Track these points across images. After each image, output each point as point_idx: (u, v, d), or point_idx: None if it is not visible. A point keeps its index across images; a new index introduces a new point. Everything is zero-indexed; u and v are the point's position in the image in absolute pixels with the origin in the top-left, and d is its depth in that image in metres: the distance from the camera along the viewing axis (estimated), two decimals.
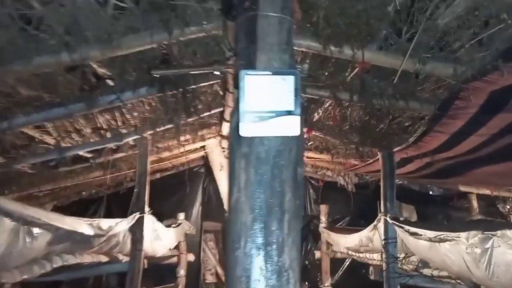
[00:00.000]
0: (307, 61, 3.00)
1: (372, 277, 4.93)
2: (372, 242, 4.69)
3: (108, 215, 6.67)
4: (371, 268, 5.04)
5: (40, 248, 2.78)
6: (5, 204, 2.39)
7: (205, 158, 7.01)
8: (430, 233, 3.41)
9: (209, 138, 6.03)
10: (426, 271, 4.26)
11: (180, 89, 3.35)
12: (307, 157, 6.24)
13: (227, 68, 2.41)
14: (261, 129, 1.37)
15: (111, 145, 4.49)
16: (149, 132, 4.40)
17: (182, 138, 5.31)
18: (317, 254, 6.93)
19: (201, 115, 4.36)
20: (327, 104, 4.10)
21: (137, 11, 2.31)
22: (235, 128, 1.41)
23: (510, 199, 7.25)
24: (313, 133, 4.71)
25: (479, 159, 3.27)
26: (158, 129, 4.38)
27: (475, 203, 7.29)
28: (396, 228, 4.09)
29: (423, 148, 3.54)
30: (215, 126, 5.45)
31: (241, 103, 1.34)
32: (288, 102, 1.37)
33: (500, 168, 3.36)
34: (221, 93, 4.08)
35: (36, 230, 2.61)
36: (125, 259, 4.57)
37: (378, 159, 4.49)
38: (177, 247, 6.36)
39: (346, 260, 7.28)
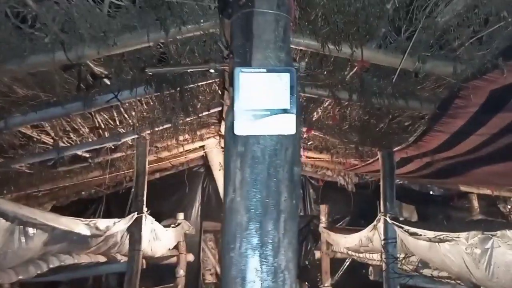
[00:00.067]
0: (306, 59, 2.97)
1: (371, 277, 4.91)
2: (372, 242, 4.66)
3: (108, 215, 6.66)
4: (370, 268, 5.02)
5: (36, 248, 2.76)
6: (0, 204, 2.37)
7: (205, 158, 7.00)
8: (430, 233, 3.39)
9: (208, 138, 6.02)
10: (426, 272, 4.24)
11: (178, 88, 3.33)
12: (307, 157, 6.22)
13: (223, 66, 2.39)
14: (257, 127, 1.35)
15: (110, 144, 4.47)
16: (147, 132, 4.38)
17: (181, 138, 5.30)
18: (317, 254, 6.92)
19: (200, 115, 4.33)
20: (327, 104, 4.07)
21: (133, 9, 2.29)
22: (230, 127, 1.38)
23: (511, 199, 7.23)
24: (313, 132, 4.69)
25: (480, 159, 3.24)
26: (156, 129, 4.37)
27: (475, 203, 7.27)
28: (396, 228, 4.06)
29: (423, 147, 3.52)
30: (214, 125, 5.43)
31: (236, 101, 1.32)
32: (283, 100, 1.35)
33: (501, 168, 3.34)
34: (219, 92, 4.06)
35: (31, 230, 2.59)
36: (124, 259, 4.55)
37: (378, 158, 4.47)
38: (176, 247, 6.35)
39: (346, 260, 7.26)
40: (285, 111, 1.35)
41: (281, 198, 1.38)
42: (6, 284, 3.34)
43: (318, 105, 4.17)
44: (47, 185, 5.18)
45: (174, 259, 6.40)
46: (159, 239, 5.06)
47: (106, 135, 4.13)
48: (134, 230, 4.33)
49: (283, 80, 1.36)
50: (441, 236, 3.22)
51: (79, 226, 3.17)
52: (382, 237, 4.25)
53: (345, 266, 7.43)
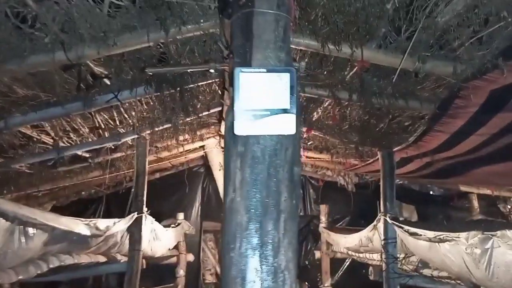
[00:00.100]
0: (306, 59, 2.97)
1: (371, 278, 4.91)
2: (372, 242, 4.66)
3: (108, 215, 6.65)
4: (370, 268, 5.01)
5: (36, 248, 2.76)
6: (0, 204, 2.37)
7: (205, 158, 7.00)
8: (430, 233, 3.39)
9: (208, 138, 6.02)
10: (426, 272, 4.24)
11: (178, 88, 3.32)
12: (307, 157, 6.22)
13: (223, 66, 2.39)
14: (257, 128, 1.35)
15: (110, 144, 4.47)
16: (147, 132, 4.38)
17: (181, 138, 5.30)
18: (317, 254, 6.92)
19: (200, 115, 4.33)
20: (327, 104, 4.07)
21: (133, 9, 2.29)
22: (230, 127, 1.38)
23: (511, 199, 7.23)
24: (313, 132, 4.69)
25: (480, 159, 3.24)
26: (156, 129, 4.36)
27: (475, 203, 7.27)
28: (396, 228, 4.06)
29: (423, 147, 3.52)
30: (214, 125, 5.43)
31: (236, 101, 1.32)
32: (283, 100, 1.35)
33: (501, 168, 3.34)
34: (219, 92, 4.06)
35: (31, 230, 2.59)
36: (124, 259, 4.55)
37: (378, 158, 4.46)
38: (176, 247, 6.34)
39: (346, 260, 7.25)
40: (285, 111, 1.35)
41: (281, 198, 1.38)
42: (6, 284, 3.34)
43: (318, 105, 4.17)
44: (47, 185, 5.18)
45: (174, 259, 6.40)
46: (159, 239, 5.06)
47: (106, 135, 4.13)
48: (134, 230, 4.33)
49: (283, 80, 1.36)
50: (441, 236, 3.22)
51: (79, 226, 3.17)
52: (382, 237, 4.25)
53: (345, 266, 7.42)
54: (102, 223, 3.59)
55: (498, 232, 2.68)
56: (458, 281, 3.66)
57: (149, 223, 4.60)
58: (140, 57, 2.84)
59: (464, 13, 2.14)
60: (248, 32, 1.49)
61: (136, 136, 4.31)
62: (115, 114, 3.91)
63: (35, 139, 3.86)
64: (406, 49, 2.35)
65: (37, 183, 4.98)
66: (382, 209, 4.36)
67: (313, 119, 4.48)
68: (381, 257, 4.39)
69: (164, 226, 5.48)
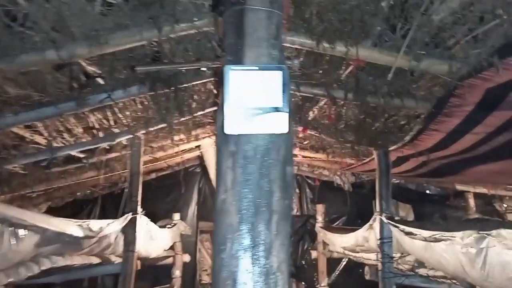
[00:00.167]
0: (301, 58, 2.95)
1: (367, 277, 4.89)
2: (368, 241, 4.65)
3: (103, 216, 6.59)
4: (366, 268, 5.00)
5: (26, 250, 2.71)
6: None
7: (201, 158, 6.97)
8: (425, 233, 3.37)
9: (203, 138, 5.99)
10: (422, 271, 4.22)
11: (172, 88, 3.29)
12: (303, 156, 6.20)
13: (215, 64, 2.36)
14: (248, 126, 1.32)
15: (104, 145, 4.43)
16: (142, 132, 4.34)
17: (176, 138, 5.27)
18: (314, 254, 6.89)
19: (195, 114, 4.31)
20: (322, 103, 4.06)
21: (125, 7, 2.26)
22: (221, 126, 1.36)
23: (507, 197, 7.24)
24: (308, 132, 4.67)
25: (476, 157, 3.23)
26: (151, 129, 4.33)
27: (472, 202, 7.26)
28: (392, 227, 4.05)
29: (419, 146, 3.51)
30: (210, 125, 5.40)
31: (226, 100, 1.29)
32: (275, 99, 1.32)
33: (497, 167, 3.33)
34: (215, 91, 4.03)
35: (22, 232, 2.55)
36: (118, 260, 4.51)
37: (374, 158, 4.45)
38: (172, 247, 6.30)
39: (343, 260, 7.24)
40: (277, 109, 1.33)
41: (273, 198, 1.36)
42: None
43: (313, 104, 4.16)
44: (41, 186, 5.12)
45: (170, 260, 6.36)
46: (154, 239, 5.02)
47: (100, 135, 4.09)
48: (128, 231, 4.29)
49: (275, 78, 1.33)
50: (437, 236, 3.20)
51: (71, 227, 3.13)
52: (378, 237, 4.24)
53: (342, 266, 7.41)
54: (95, 224, 3.56)
55: (493, 232, 2.66)
56: (454, 281, 3.65)
57: (144, 224, 4.56)
58: (133, 56, 2.82)
59: (460, 11, 2.13)
60: (240, 30, 1.47)
61: (131, 136, 4.28)
62: (109, 114, 3.87)
63: (28, 140, 3.81)
64: (401, 48, 2.33)
65: (31, 184, 4.92)
66: (378, 208, 4.34)
67: (309, 118, 4.46)
68: (377, 256, 4.38)
69: (160, 227, 5.44)
